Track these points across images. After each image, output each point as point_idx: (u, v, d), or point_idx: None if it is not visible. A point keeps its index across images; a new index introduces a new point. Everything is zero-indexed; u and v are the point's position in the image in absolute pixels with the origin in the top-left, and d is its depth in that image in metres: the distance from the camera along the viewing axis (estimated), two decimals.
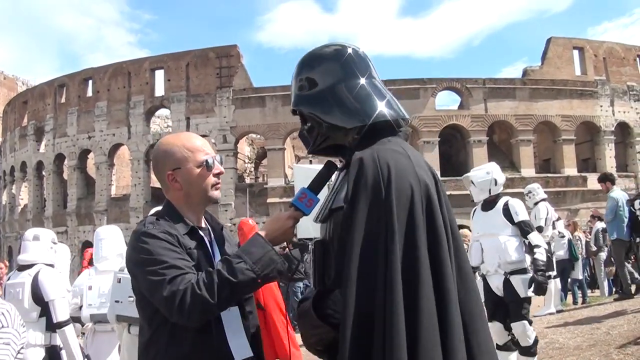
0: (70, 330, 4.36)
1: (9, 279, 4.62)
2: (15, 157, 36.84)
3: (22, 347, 1.91)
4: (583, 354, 5.83)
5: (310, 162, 29.35)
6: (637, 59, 32.78)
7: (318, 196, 1.87)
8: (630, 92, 31.40)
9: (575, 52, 31.57)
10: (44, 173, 34.93)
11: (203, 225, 2.04)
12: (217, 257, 1.95)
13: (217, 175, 1.99)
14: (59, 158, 33.71)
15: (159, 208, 2.09)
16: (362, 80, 1.84)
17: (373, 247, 1.55)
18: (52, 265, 4.59)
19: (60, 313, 4.33)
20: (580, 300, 11.12)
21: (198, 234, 1.95)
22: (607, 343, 6.08)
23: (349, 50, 1.87)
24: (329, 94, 1.82)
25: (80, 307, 5.45)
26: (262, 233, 1.81)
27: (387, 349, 1.46)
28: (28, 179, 35.98)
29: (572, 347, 6.21)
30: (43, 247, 4.57)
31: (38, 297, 4.32)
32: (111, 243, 5.13)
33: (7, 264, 6.28)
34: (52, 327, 4.34)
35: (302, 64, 1.91)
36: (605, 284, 12.35)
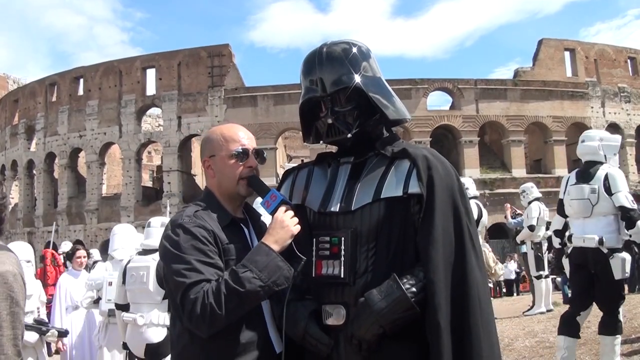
0: None
1: (128, 263, 4.66)
2: (6, 156, 36.60)
3: None
4: None
5: (302, 161, 29.31)
6: (628, 60, 33.04)
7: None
8: (621, 94, 31.63)
9: (567, 54, 31.76)
10: (34, 172, 34.76)
11: (241, 215, 2.00)
12: None
13: (249, 168, 1.94)
14: (50, 157, 33.53)
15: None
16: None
17: (451, 231, 1.78)
18: None
19: None
20: None
21: (237, 226, 1.93)
22: (597, 342, 6.11)
23: None
24: (384, 85, 1.95)
25: (96, 300, 5.52)
26: (266, 240, 1.78)
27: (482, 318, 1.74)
28: (19, 178, 35.76)
29: None
30: None
31: (162, 279, 4.44)
32: (122, 238, 5.38)
33: None
34: None
35: (360, 50, 1.92)
36: None
